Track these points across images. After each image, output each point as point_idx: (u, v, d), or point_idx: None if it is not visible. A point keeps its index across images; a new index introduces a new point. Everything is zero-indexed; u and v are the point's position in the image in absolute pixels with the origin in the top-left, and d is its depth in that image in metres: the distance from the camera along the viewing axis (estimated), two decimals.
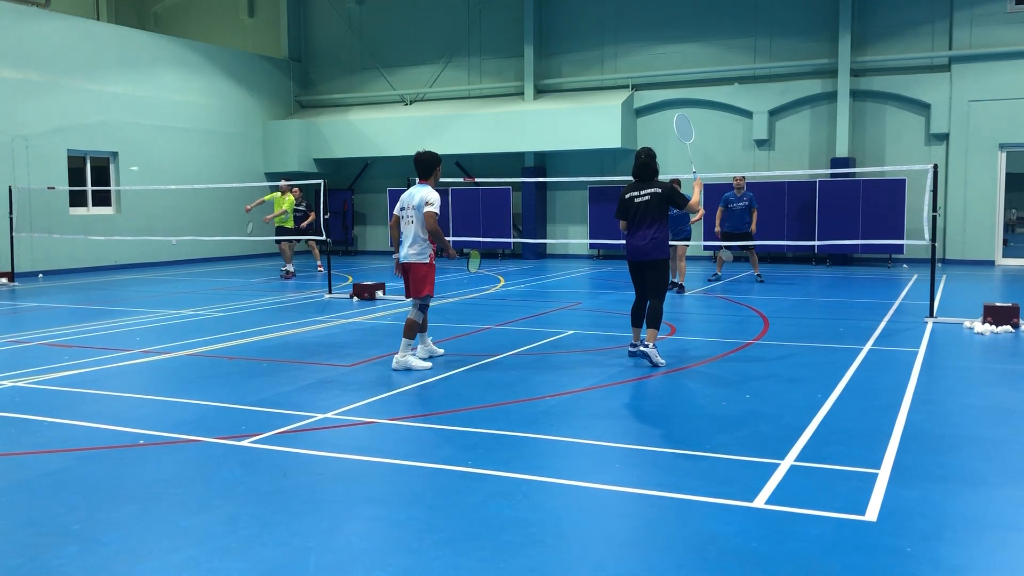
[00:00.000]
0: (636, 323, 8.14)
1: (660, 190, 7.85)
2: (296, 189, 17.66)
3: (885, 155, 19.21)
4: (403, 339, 7.74)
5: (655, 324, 7.74)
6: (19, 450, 5.41)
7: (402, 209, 7.89)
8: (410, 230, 7.80)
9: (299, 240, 17.72)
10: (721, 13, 20.42)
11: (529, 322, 9.80)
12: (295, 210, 17.36)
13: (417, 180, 8.00)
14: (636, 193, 7.92)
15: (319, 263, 18.33)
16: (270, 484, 4.70)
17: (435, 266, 7.93)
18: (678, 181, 13.17)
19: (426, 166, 7.88)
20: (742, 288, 14.35)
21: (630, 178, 8.10)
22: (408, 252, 7.82)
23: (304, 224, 17.57)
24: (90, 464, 5.11)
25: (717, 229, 15.11)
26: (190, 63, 21.93)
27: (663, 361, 7.72)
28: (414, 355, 7.83)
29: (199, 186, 19.24)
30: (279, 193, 17.23)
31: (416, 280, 7.82)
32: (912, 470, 4.80)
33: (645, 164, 7.95)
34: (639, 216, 7.84)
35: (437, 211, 7.71)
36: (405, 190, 8.32)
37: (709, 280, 15.33)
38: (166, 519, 4.19)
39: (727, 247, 14.61)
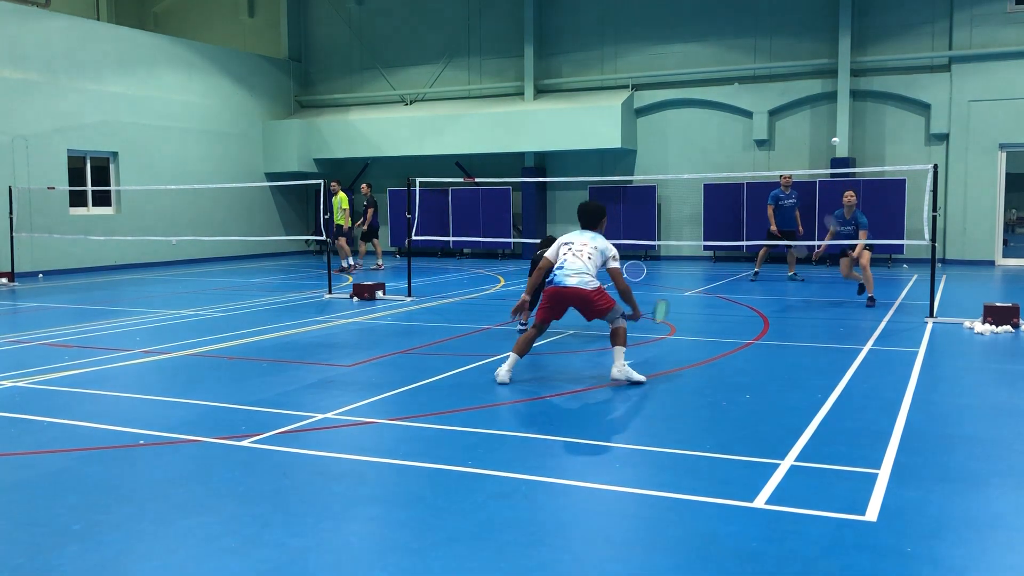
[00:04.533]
0: None
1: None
2: (363, 186, 19.00)
3: (885, 155, 19.20)
4: (617, 348, 7.23)
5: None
6: (19, 450, 5.41)
7: (568, 244, 7.45)
8: (581, 263, 7.29)
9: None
10: (721, 13, 20.42)
11: (529, 322, 9.80)
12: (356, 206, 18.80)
13: (580, 228, 7.65)
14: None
15: (377, 261, 18.94)
16: (270, 484, 4.70)
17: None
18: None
19: (593, 216, 7.59)
20: (742, 288, 14.35)
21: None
22: (575, 282, 7.23)
23: (360, 223, 18.72)
24: (90, 464, 5.11)
25: (774, 228, 15.13)
26: (190, 63, 21.93)
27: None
28: (629, 364, 7.31)
29: (199, 186, 19.26)
30: (334, 195, 18.29)
31: (595, 307, 7.28)
32: (912, 470, 4.80)
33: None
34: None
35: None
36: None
37: (750, 280, 15.38)
38: (166, 519, 4.19)
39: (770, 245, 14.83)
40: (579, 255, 7.33)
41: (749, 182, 19.63)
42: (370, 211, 18.52)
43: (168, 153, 21.16)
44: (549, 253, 7.60)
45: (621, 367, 7.17)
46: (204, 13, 25.80)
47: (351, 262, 18.43)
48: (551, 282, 7.39)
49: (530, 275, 9.44)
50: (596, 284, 7.30)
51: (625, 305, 7.38)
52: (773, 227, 15.10)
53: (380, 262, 18.83)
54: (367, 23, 24.31)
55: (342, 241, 18.21)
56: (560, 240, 7.63)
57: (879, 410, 6.15)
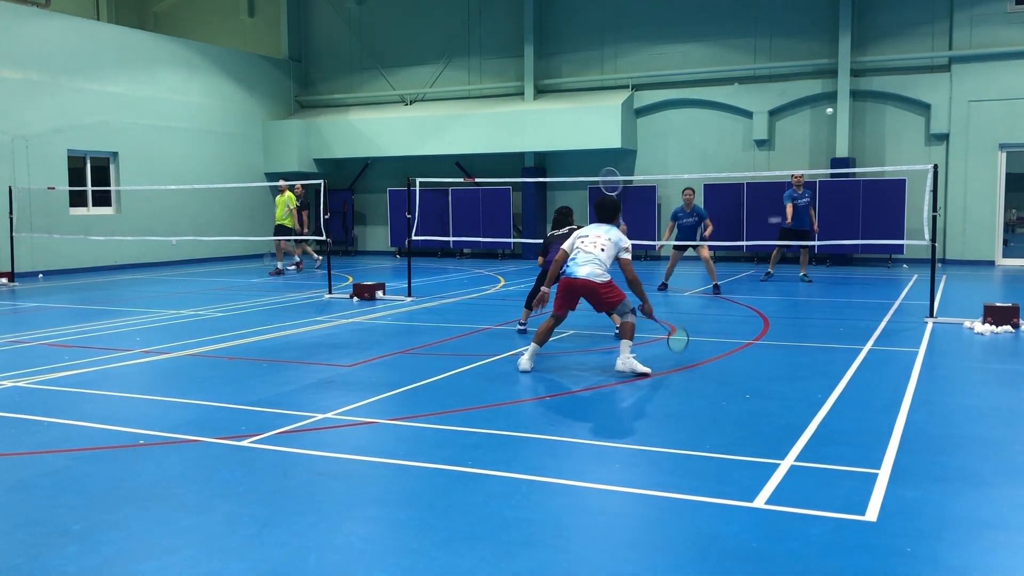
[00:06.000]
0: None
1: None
2: (297, 186, 18.45)
3: (885, 155, 19.20)
4: (623, 341, 7.45)
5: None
6: (19, 450, 5.41)
7: (583, 237, 7.68)
8: (594, 254, 7.50)
9: (291, 239, 17.87)
10: (721, 13, 20.42)
11: (529, 322, 9.81)
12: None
13: (597, 221, 7.89)
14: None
15: (314, 260, 18.60)
16: (270, 484, 4.70)
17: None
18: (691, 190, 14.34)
19: (608, 211, 7.83)
20: (742, 288, 14.35)
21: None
22: (586, 273, 7.42)
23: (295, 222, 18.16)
24: (90, 464, 5.11)
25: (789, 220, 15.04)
26: (190, 63, 21.92)
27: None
28: (635, 357, 7.47)
29: (199, 186, 19.27)
30: (280, 193, 17.95)
31: (604, 300, 7.46)
32: (912, 470, 4.80)
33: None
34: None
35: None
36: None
37: (761, 280, 15.33)
38: (166, 519, 4.19)
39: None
40: (593, 247, 7.59)
41: (749, 182, 19.64)
42: (304, 213, 18.27)
43: (168, 153, 21.16)
44: (566, 245, 7.87)
45: (626, 359, 7.42)
46: (204, 13, 25.79)
47: (285, 265, 18.06)
48: (564, 273, 7.66)
49: (541, 255, 9.67)
50: (607, 278, 7.52)
51: (635, 299, 7.58)
52: (789, 220, 14.99)
53: (299, 260, 18.43)
54: (367, 23, 24.31)
55: (282, 243, 17.66)
56: (576, 233, 7.90)
57: (879, 410, 6.15)
